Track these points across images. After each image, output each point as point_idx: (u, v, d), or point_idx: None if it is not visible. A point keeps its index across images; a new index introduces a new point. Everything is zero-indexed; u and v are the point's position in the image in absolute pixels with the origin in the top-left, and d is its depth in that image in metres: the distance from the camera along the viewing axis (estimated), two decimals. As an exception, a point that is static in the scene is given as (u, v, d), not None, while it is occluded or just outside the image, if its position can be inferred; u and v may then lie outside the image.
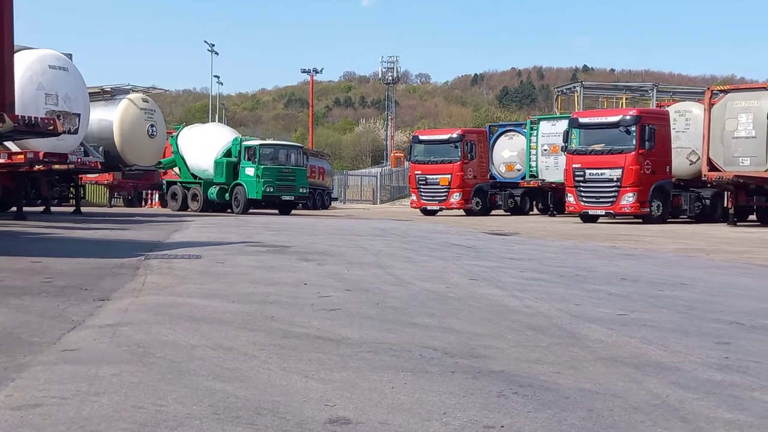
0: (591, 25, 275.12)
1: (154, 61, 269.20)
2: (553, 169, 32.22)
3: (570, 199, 27.02)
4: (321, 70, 77.62)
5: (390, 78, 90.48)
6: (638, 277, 9.17)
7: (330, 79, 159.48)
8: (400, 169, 67.50)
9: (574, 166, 26.69)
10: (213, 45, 70.14)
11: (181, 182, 32.65)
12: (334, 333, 5.19)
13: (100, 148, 26.34)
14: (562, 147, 28.47)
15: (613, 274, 9.36)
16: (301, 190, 30.32)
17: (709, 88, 26.66)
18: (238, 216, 27.74)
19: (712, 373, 4.19)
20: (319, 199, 45.44)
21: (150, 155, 30.22)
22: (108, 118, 28.11)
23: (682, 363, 4.41)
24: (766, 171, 22.77)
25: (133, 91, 29.70)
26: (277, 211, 31.15)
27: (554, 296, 7.18)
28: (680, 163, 27.58)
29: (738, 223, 25.22)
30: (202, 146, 31.42)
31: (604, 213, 26.63)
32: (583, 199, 26.43)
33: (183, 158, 32.50)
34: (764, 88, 24.15)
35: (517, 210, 35.63)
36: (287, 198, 29.90)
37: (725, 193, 26.77)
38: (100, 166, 25.08)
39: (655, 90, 47.35)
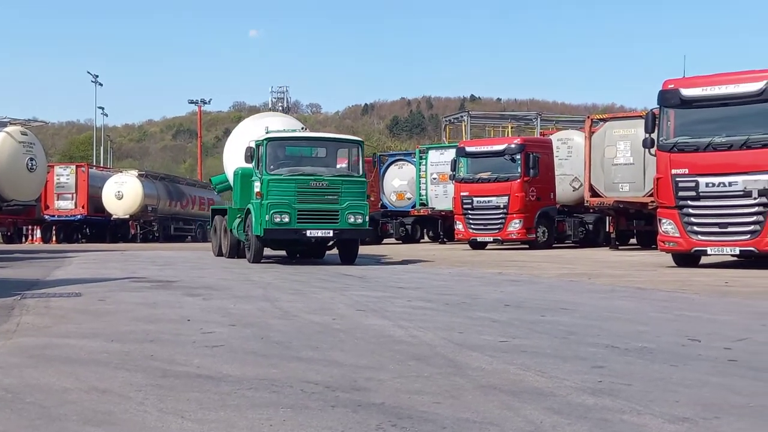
0: (478, 55, 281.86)
1: (35, 93, 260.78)
2: (442, 197, 32.63)
3: (459, 226, 27.43)
4: (209, 101, 76.84)
5: (280, 108, 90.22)
6: (522, 303, 9.35)
7: (219, 110, 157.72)
8: (291, 200, 67.18)
9: (462, 194, 27.14)
10: (97, 76, 68.63)
11: (219, 210, 22.49)
12: (215, 370, 5.10)
13: (-24, 184, 25.25)
14: (450, 175, 28.91)
15: (497, 301, 9.51)
16: (350, 220, 17.21)
17: (589, 117, 27.58)
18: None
19: (586, 397, 4.29)
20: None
21: (30, 189, 29.11)
22: (-16, 152, 26.99)
23: (557, 388, 4.51)
24: (644, 196, 23.61)
25: (11, 123, 28.59)
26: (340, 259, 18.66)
27: (439, 325, 7.25)
28: (564, 190, 28.36)
29: (619, 247, 26.10)
30: (239, 152, 19.16)
31: (492, 239, 27.11)
32: (472, 226, 26.88)
33: (227, 174, 22.31)
34: (641, 116, 25.09)
35: (409, 238, 35.92)
36: (318, 233, 17.23)
37: (607, 217, 27.64)
38: (-25, 203, 24.06)
39: (539, 119, 48.81)
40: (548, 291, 11.20)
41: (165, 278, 13.13)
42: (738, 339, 6.39)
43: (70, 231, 40.84)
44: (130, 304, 9.04)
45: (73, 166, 41.86)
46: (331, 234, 17.44)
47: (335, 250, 19.05)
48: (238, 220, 19.37)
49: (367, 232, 18.85)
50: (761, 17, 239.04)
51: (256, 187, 17.48)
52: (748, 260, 16.10)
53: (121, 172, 43.82)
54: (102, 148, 74.97)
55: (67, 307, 8.82)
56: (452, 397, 4.34)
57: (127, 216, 40.39)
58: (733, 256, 15.95)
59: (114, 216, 40.39)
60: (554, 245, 27.73)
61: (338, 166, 18.35)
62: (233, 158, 20.93)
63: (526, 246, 27.05)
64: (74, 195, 39.96)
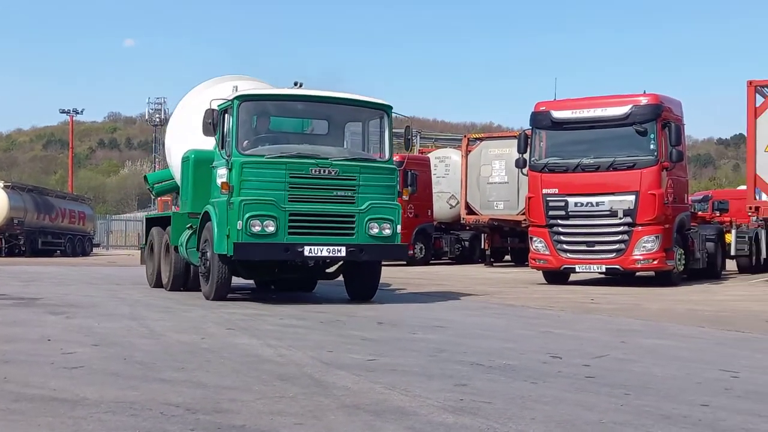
0: (360, 72, 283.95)
1: None
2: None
3: (337, 242, 27.46)
4: (82, 111, 74.15)
5: (157, 119, 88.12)
6: (395, 321, 9.42)
7: (94, 120, 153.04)
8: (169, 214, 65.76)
9: (340, 210, 27.20)
10: (-37, 82, 65.54)
11: (157, 218, 16.19)
12: (72, 393, 4.90)
13: None
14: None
15: (371, 319, 9.54)
16: (373, 231, 11.25)
17: (465, 136, 28.18)
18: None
19: (447, 416, 4.34)
20: (79, 245, 43.43)
21: None
22: None
23: (420, 407, 4.54)
24: (518, 214, 24.23)
25: None
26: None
27: (309, 343, 7.21)
28: (441, 207, 28.77)
29: (494, 264, 26.69)
30: (188, 134, 13.46)
31: (370, 256, 27.25)
32: (350, 242, 26.94)
33: (171, 168, 15.21)
34: (515, 136, 25.75)
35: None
36: (323, 252, 11.10)
37: (482, 235, 28.26)
38: None
39: (419, 136, 49.43)
40: (422, 308, 11.32)
41: (28, 295, 12.62)
42: (597, 356, 6.61)
43: (-72, 245, 38.73)
44: (-14, 323, 8.64)
45: (-66, 176, 39.85)
46: (343, 252, 11.19)
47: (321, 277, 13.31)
48: (188, 232, 12.84)
49: (399, 250, 12.09)
50: (628, 43, 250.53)
51: (221, 176, 11.31)
52: (613, 277, 16.72)
53: (-14, 182, 41.89)
54: (-33, 157, 71.66)
55: None
56: (315, 417, 4.30)
57: (-8, 229, 38.61)
58: (600, 273, 16.55)
59: (-23, 229, 38.56)
60: (431, 262, 28.09)
61: (349, 147, 12.47)
62: (179, 143, 14.04)
63: (404, 263, 27.25)
64: (-66, 207, 37.94)
